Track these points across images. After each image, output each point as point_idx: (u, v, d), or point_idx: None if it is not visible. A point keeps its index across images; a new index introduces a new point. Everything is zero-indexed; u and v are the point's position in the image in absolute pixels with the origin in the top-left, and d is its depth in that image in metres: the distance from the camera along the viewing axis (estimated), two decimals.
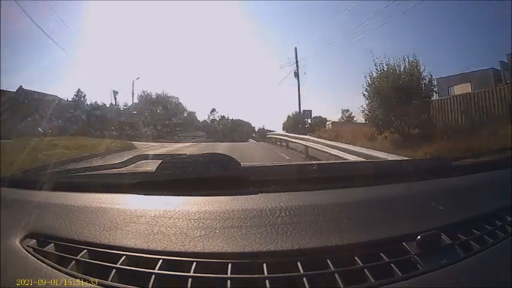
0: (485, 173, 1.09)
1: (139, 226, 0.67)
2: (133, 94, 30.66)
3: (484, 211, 0.76)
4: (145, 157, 1.36)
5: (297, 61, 18.59)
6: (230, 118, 39.99)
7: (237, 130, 36.73)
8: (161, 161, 0.93)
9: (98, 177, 1.08)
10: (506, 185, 0.92)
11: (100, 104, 24.80)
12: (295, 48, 19.28)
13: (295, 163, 1.58)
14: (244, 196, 0.78)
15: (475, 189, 0.93)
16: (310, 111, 19.98)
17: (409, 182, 0.93)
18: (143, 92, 30.15)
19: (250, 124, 40.71)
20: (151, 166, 1.01)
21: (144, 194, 0.83)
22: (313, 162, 1.09)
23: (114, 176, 1.05)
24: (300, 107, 19.11)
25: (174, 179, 0.87)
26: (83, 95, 25.77)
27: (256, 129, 39.78)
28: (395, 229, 0.65)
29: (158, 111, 27.55)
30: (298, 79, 18.50)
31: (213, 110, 40.71)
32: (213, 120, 40.38)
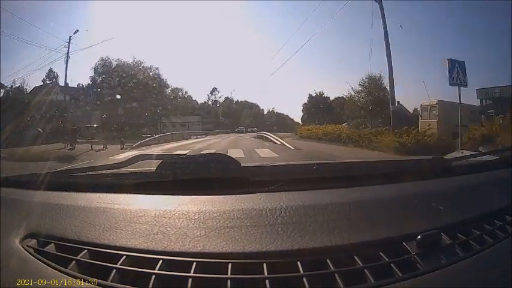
0: (485, 173, 1.09)
1: (140, 226, 0.67)
2: (67, 58, 15.68)
3: (483, 211, 0.76)
4: (146, 157, 1.37)
5: None
6: (235, 99, 31.25)
7: (243, 115, 30.02)
8: (161, 161, 0.93)
9: (98, 177, 1.08)
10: (506, 185, 0.92)
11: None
12: None
13: (295, 163, 1.58)
14: (244, 196, 0.78)
15: (475, 189, 0.93)
16: (462, 63, 8.19)
17: (409, 182, 0.93)
18: (101, 59, 17.82)
19: (259, 106, 33.14)
20: (151, 166, 1.01)
21: (144, 194, 0.83)
22: (313, 162, 1.09)
23: (114, 176, 1.05)
24: (388, 54, 9.96)
25: (174, 179, 0.87)
26: (55, 75, 17.55)
27: (265, 112, 32.65)
28: (395, 229, 0.65)
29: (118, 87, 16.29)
30: (382, 9, 10.25)
31: (214, 90, 31.27)
32: (215, 102, 31.56)
